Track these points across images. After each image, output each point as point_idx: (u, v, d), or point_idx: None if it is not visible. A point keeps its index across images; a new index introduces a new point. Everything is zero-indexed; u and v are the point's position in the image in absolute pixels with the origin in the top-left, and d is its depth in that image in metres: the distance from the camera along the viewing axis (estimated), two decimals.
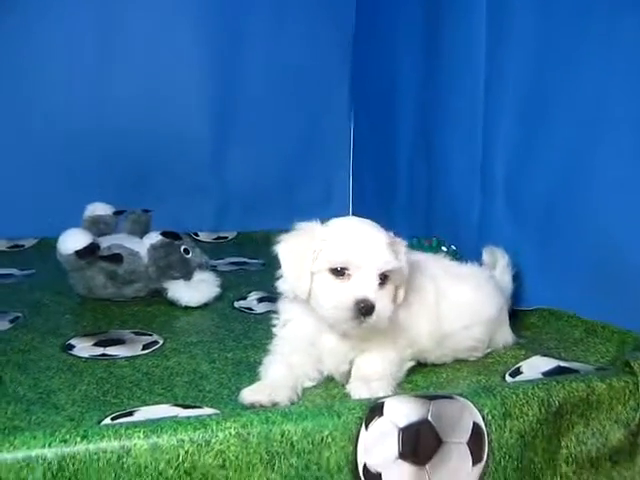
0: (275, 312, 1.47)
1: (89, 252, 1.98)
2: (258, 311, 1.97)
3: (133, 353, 1.60)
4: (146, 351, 1.61)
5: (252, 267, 2.58)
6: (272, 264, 1.41)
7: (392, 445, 1.10)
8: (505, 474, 1.17)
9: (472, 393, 1.19)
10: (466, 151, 2.11)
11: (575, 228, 1.69)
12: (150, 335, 1.73)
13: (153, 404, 1.29)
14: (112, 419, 1.20)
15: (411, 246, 1.49)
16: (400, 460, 1.10)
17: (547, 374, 1.41)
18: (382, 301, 1.28)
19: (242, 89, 3.08)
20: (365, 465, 1.09)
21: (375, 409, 1.11)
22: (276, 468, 1.06)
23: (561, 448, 1.23)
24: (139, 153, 2.94)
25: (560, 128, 1.74)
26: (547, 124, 1.78)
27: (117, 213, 2.30)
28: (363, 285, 1.28)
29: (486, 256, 1.80)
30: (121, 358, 1.56)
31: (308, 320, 1.38)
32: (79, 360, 1.55)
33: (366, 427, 1.10)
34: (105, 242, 2.07)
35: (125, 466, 1.00)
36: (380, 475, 1.09)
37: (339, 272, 1.29)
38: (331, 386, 1.38)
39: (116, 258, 2.02)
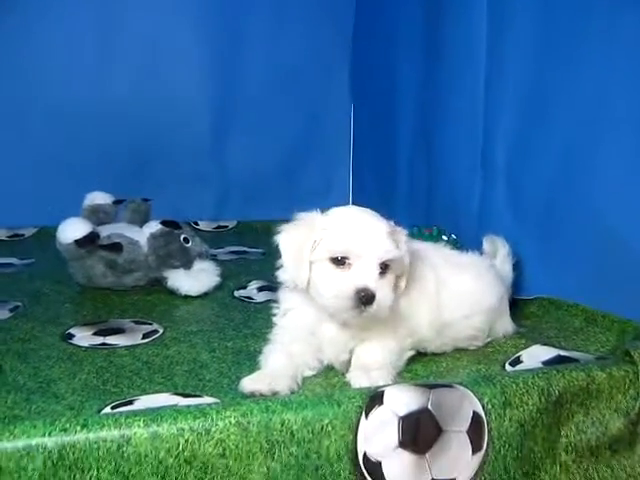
0: (275, 301, 1.47)
1: (89, 241, 1.98)
2: (258, 300, 1.97)
3: (133, 342, 1.60)
4: (146, 340, 1.61)
5: (252, 256, 2.58)
6: (272, 253, 1.40)
7: (392, 434, 1.10)
8: (505, 463, 1.17)
9: (472, 382, 1.19)
10: (466, 140, 2.10)
11: (575, 217, 1.69)
12: (150, 324, 1.73)
13: (153, 393, 1.29)
14: (112, 408, 1.20)
15: (411, 235, 1.49)
16: (400, 449, 1.10)
17: (547, 363, 1.41)
18: (383, 290, 1.28)
19: (243, 79, 3.07)
20: (365, 454, 1.10)
21: (375, 398, 1.12)
22: (276, 457, 1.06)
23: (561, 437, 1.23)
24: (139, 142, 2.94)
25: (561, 118, 1.73)
26: (548, 114, 1.78)
27: (117, 202, 2.29)
28: (364, 274, 1.27)
29: (487, 245, 1.80)
30: (121, 347, 1.56)
31: (308, 309, 1.38)
32: (79, 349, 1.55)
33: (366, 416, 1.10)
34: (105, 231, 2.06)
35: (125, 455, 1.00)
36: (380, 464, 1.10)
37: (339, 261, 1.29)
38: (331, 375, 1.38)
39: (116, 247, 2.01)
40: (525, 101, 1.86)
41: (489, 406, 1.16)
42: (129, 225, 2.18)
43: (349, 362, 1.37)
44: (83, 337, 1.63)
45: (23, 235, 2.82)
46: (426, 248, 1.56)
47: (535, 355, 1.47)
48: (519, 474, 1.19)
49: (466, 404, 1.15)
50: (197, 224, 2.97)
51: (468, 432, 1.14)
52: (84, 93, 2.86)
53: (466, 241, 1.94)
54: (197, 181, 3.05)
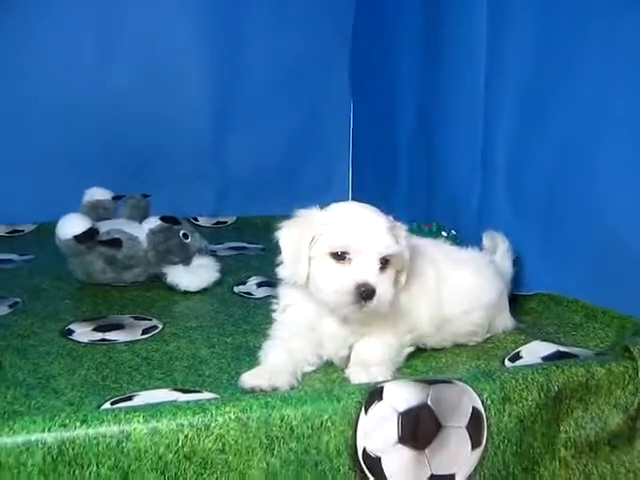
0: (275, 297, 1.47)
1: (88, 237, 1.98)
2: (257, 296, 1.97)
3: (132, 338, 1.60)
4: (145, 336, 1.61)
5: (251, 252, 2.58)
6: (272, 249, 1.41)
7: (392, 429, 1.10)
8: (504, 458, 1.17)
9: (471, 378, 1.19)
10: (466, 136, 2.10)
11: (575, 213, 1.69)
12: (149, 320, 1.73)
13: (152, 389, 1.29)
14: (112, 404, 1.21)
15: (411, 231, 1.49)
16: (399, 444, 1.10)
17: (546, 359, 1.41)
18: (383, 285, 1.28)
19: (243, 76, 3.07)
20: (365, 449, 1.10)
21: (375, 393, 1.12)
22: (275, 452, 1.06)
23: (560, 433, 1.23)
24: (138, 138, 2.93)
25: (560, 117, 1.73)
26: (547, 113, 1.78)
27: (116, 198, 2.29)
28: (364, 269, 1.27)
29: (486, 241, 1.80)
30: (120, 343, 1.56)
31: (308, 305, 1.38)
32: (78, 345, 1.55)
33: (366, 411, 1.10)
34: (104, 227, 2.06)
35: (125, 450, 1.00)
36: (379, 459, 1.10)
37: (339, 256, 1.29)
38: (330, 371, 1.38)
39: (115, 243, 2.01)
40: (525, 99, 1.85)
41: (488, 402, 1.16)
42: (128, 221, 2.18)
43: (348, 358, 1.37)
44: (82, 333, 1.63)
45: (22, 231, 2.82)
46: (426, 244, 1.56)
47: (534, 351, 1.47)
48: (518, 469, 1.19)
49: (465, 400, 1.15)
50: (196, 220, 2.96)
51: (467, 428, 1.14)
52: (84, 91, 2.85)
53: (466, 237, 1.94)
54: (196, 177, 3.04)
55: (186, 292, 1.98)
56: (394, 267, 1.33)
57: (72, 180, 2.53)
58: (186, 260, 2.07)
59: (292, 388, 1.26)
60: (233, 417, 1.05)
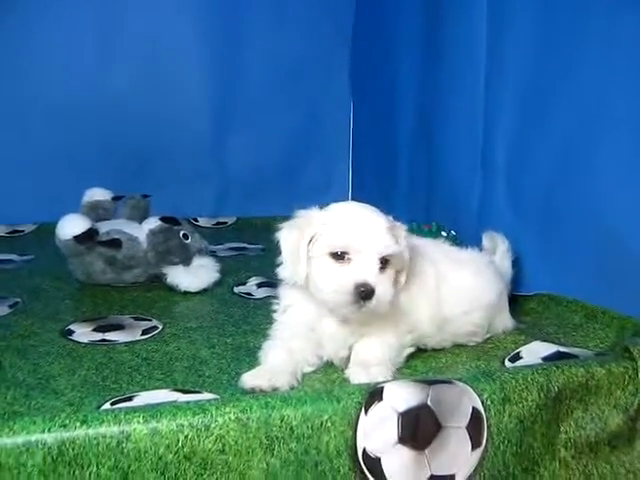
0: (275, 298, 1.47)
1: (88, 237, 1.98)
2: (257, 296, 1.97)
3: (132, 338, 1.60)
4: (145, 336, 1.61)
5: (251, 252, 2.58)
6: (272, 250, 1.41)
7: (391, 430, 1.10)
8: (504, 459, 1.17)
9: (471, 378, 1.19)
10: (466, 136, 2.10)
11: (575, 213, 1.69)
12: (149, 320, 1.73)
13: (152, 389, 1.29)
14: (112, 404, 1.21)
15: (410, 231, 1.49)
16: (399, 445, 1.10)
17: (546, 359, 1.41)
18: (382, 285, 1.28)
19: (243, 76, 3.07)
20: (364, 450, 1.10)
21: (375, 394, 1.12)
22: (275, 453, 1.06)
23: (560, 433, 1.23)
24: (139, 138, 2.93)
25: (560, 117, 1.73)
26: (547, 113, 1.78)
27: (116, 198, 2.29)
28: (363, 269, 1.27)
29: (486, 241, 1.80)
30: (120, 343, 1.56)
31: (308, 306, 1.38)
32: (78, 345, 1.55)
33: (365, 412, 1.10)
34: (104, 227, 2.06)
35: (125, 451, 1.00)
36: (379, 460, 1.10)
37: (339, 256, 1.29)
38: (330, 371, 1.38)
39: (115, 243, 2.01)
40: (525, 99, 1.85)
41: (488, 402, 1.16)
42: (128, 221, 2.18)
43: (348, 358, 1.37)
44: (82, 333, 1.63)
45: (22, 231, 2.82)
46: (425, 244, 1.56)
47: (534, 351, 1.47)
48: (518, 470, 1.19)
49: (465, 400, 1.15)
50: (196, 220, 2.97)
51: (467, 428, 1.14)
52: (84, 91, 2.86)
53: (465, 237, 1.94)
54: (197, 178, 3.04)
55: (186, 293, 1.98)
56: (394, 267, 1.33)
57: (72, 180, 2.53)
58: (186, 261, 2.07)
59: (292, 388, 1.26)
60: (233, 417, 1.05)
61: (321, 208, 1.38)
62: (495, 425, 1.16)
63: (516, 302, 1.76)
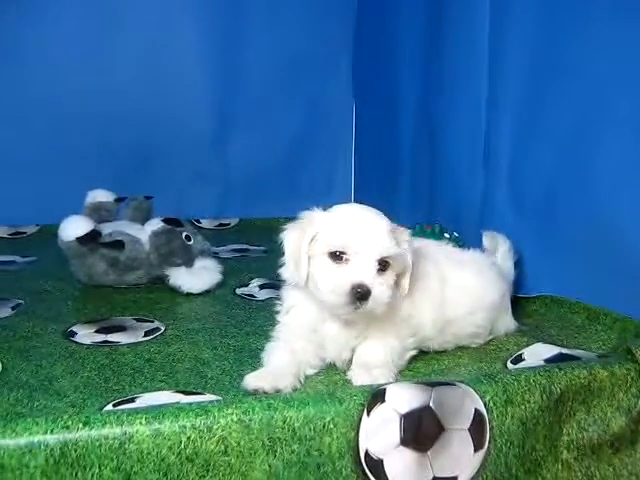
0: (277, 299, 1.47)
1: (90, 239, 1.98)
2: (260, 298, 1.97)
3: (135, 340, 1.60)
4: (148, 338, 1.61)
5: (254, 254, 2.58)
6: (274, 251, 1.41)
7: (394, 431, 1.10)
8: (506, 460, 1.17)
9: (474, 380, 1.19)
10: (469, 138, 2.10)
11: (577, 215, 1.69)
12: (152, 322, 1.74)
13: (155, 390, 1.29)
14: (114, 405, 1.21)
15: (413, 232, 1.49)
16: (402, 446, 1.10)
17: (549, 361, 1.40)
18: (379, 287, 1.27)
19: (244, 77, 3.07)
20: (367, 451, 1.10)
21: (377, 395, 1.11)
22: (278, 454, 1.06)
23: (562, 435, 1.23)
24: (141, 140, 2.94)
25: (562, 117, 1.73)
26: (549, 114, 1.77)
27: (118, 200, 2.29)
28: (360, 270, 1.27)
29: (486, 241, 1.79)
30: (123, 345, 1.56)
31: (311, 307, 1.38)
32: (81, 347, 1.55)
33: (368, 413, 1.10)
34: (106, 229, 2.06)
35: (127, 452, 1.00)
36: (382, 461, 1.10)
37: (337, 256, 1.29)
38: (333, 373, 1.38)
39: (117, 245, 2.01)
40: (527, 100, 1.85)
41: (491, 404, 1.16)
42: (131, 223, 2.18)
43: (351, 360, 1.37)
44: (85, 335, 1.63)
45: (25, 233, 2.82)
46: (427, 245, 1.56)
47: (537, 353, 1.46)
48: (521, 472, 1.19)
49: (468, 402, 1.15)
50: (199, 222, 2.97)
51: (470, 430, 1.14)
52: (85, 91, 2.85)
53: (468, 239, 1.94)
54: (199, 179, 3.05)
55: (188, 294, 1.98)
56: (394, 270, 1.33)
57: (74, 182, 2.51)
58: (188, 262, 2.07)
59: (295, 390, 1.26)
60: (235, 419, 1.05)
61: (324, 210, 1.38)
62: (497, 427, 1.16)
63: (518, 304, 1.75)
